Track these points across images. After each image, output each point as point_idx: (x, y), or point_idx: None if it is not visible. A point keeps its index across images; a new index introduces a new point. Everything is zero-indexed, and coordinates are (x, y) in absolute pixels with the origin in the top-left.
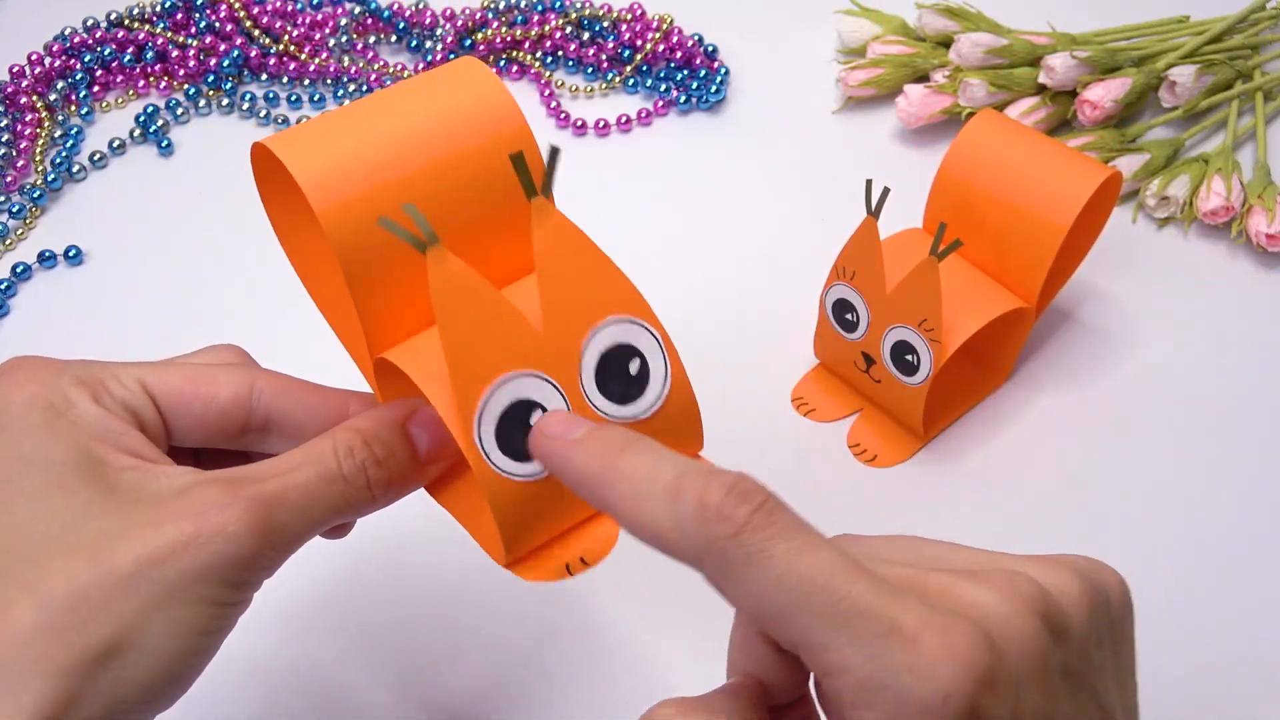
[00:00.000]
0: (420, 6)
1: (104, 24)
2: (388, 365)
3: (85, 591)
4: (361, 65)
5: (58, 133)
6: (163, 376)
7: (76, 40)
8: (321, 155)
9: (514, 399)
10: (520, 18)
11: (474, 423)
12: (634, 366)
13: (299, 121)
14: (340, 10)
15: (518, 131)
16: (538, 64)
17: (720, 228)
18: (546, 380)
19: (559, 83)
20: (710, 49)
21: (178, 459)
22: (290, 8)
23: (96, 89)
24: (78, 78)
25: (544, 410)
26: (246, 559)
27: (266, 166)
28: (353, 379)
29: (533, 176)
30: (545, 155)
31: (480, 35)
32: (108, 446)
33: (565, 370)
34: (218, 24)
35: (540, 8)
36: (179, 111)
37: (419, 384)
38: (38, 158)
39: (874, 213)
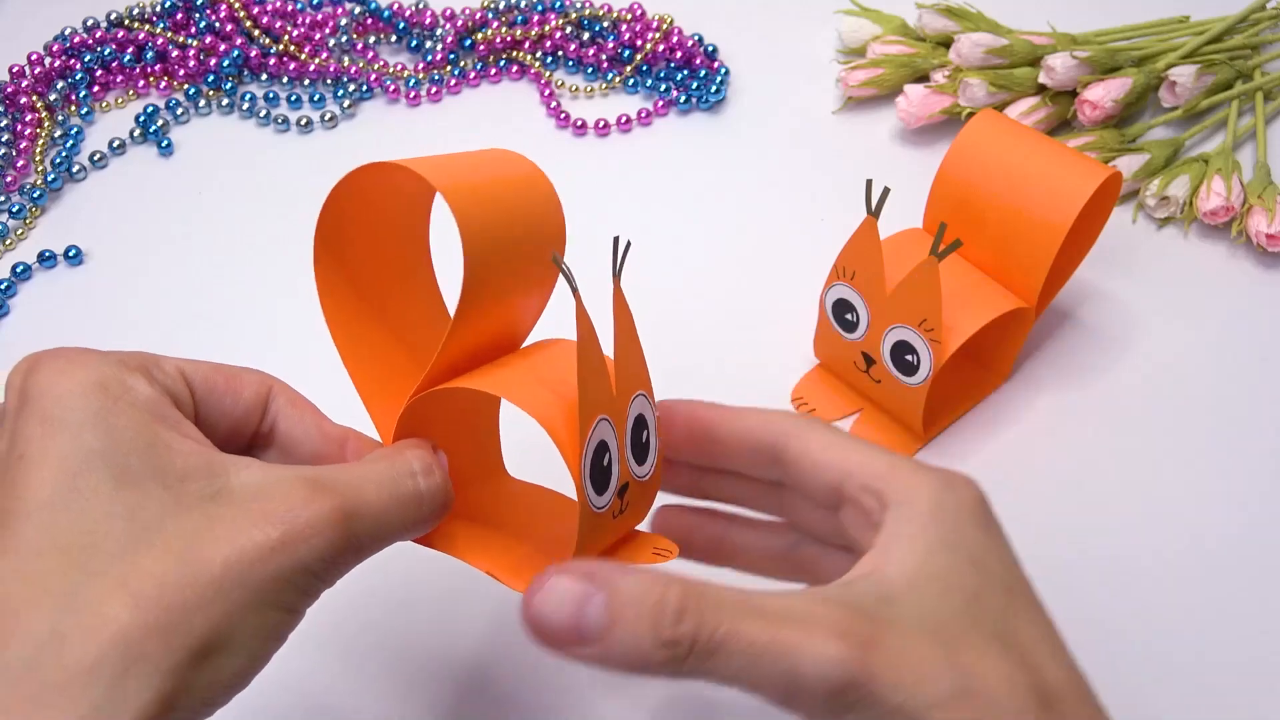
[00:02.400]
0: (420, 6)
1: (104, 24)
2: (419, 404)
3: (179, 591)
4: (361, 65)
5: (58, 133)
6: (197, 367)
7: (76, 40)
8: (446, 177)
9: (600, 439)
10: (520, 18)
11: (584, 454)
12: (645, 436)
13: (299, 121)
14: (340, 10)
15: (548, 197)
16: (538, 64)
17: (720, 228)
18: (612, 427)
19: (559, 83)
20: (710, 49)
21: None
22: (290, 8)
23: (96, 89)
24: (78, 78)
25: (610, 455)
26: (326, 567)
27: (349, 197)
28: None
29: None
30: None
31: (480, 35)
32: (169, 430)
33: (621, 425)
34: (218, 24)
35: (540, 8)
36: (179, 111)
37: (536, 414)
38: (38, 158)
39: (874, 213)
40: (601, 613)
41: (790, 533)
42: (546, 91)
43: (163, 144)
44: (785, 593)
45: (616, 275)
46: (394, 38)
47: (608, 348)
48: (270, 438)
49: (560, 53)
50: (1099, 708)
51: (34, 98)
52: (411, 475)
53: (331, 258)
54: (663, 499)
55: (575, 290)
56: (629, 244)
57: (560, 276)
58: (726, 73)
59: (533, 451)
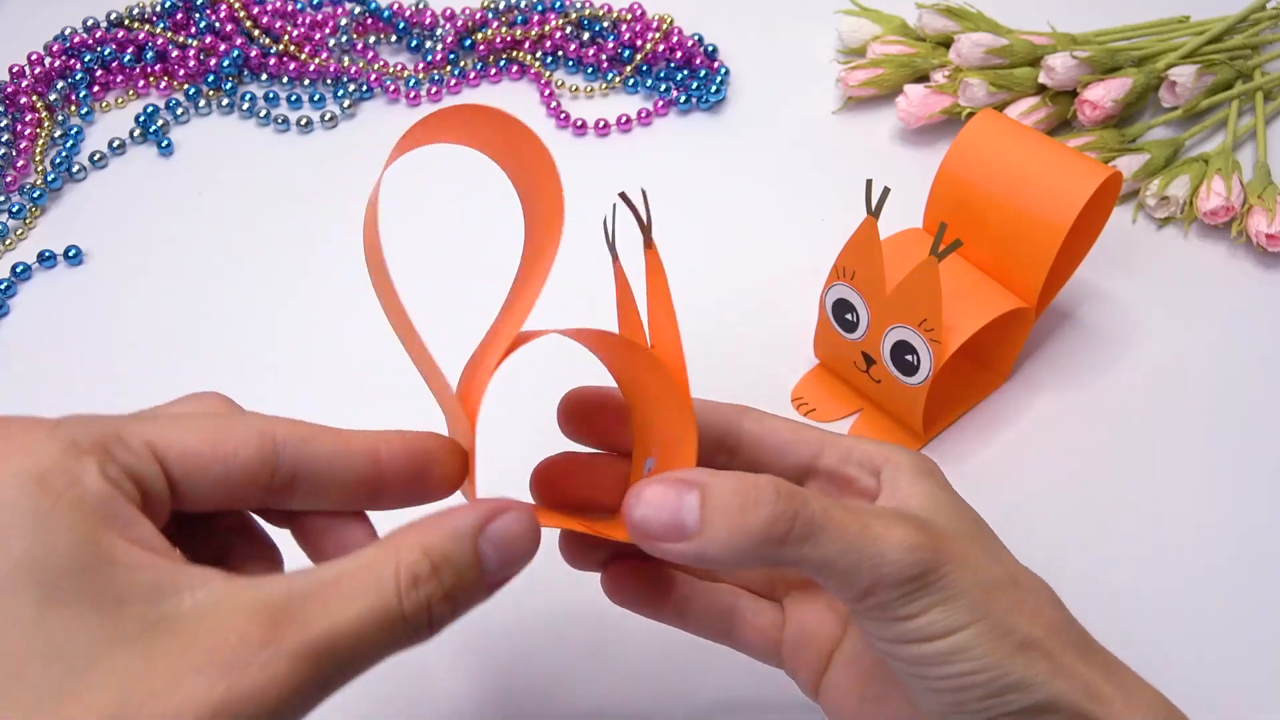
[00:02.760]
0: (420, 6)
1: (104, 24)
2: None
3: None
4: (361, 65)
5: (58, 133)
6: (176, 437)
7: (76, 40)
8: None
9: None
10: (520, 18)
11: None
12: None
13: (299, 121)
14: (340, 10)
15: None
16: (538, 64)
17: (720, 228)
18: None
19: (559, 83)
20: (710, 49)
21: (183, 527)
22: (290, 8)
23: (96, 89)
24: (78, 78)
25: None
26: (283, 711)
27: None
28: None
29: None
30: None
31: (480, 35)
32: (116, 536)
33: None
34: (218, 24)
35: (540, 8)
36: (179, 111)
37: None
38: (38, 158)
39: (874, 213)
40: (696, 508)
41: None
42: (546, 91)
43: (163, 144)
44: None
45: (649, 241)
46: (394, 38)
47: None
48: (291, 485)
49: (560, 53)
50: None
51: (34, 98)
52: (395, 586)
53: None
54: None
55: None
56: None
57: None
58: (726, 73)
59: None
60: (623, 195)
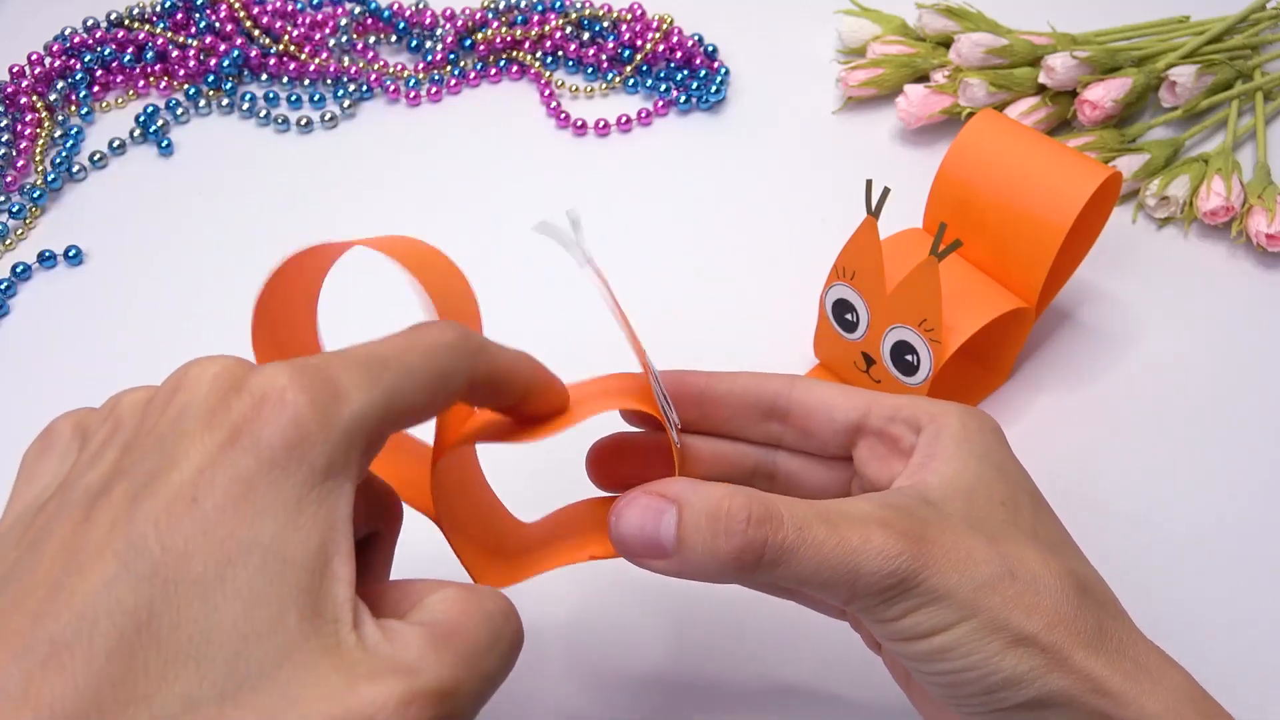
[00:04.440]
0: (420, 6)
1: (104, 24)
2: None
3: None
4: (361, 65)
5: (58, 133)
6: (407, 383)
7: (76, 40)
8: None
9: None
10: (520, 18)
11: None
12: (663, 395)
13: (299, 121)
14: (340, 10)
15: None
16: (538, 64)
17: (720, 228)
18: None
19: (559, 83)
20: (710, 49)
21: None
22: (290, 8)
23: (96, 89)
24: (78, 78)
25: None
26: None
27: (293, 275)
28: None
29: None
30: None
31: (480, 35)
32: (335, 553)
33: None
34: (218, 24)
35: (540, 8)
36: (179, 111)
37: (615, 404)
38: (38, 158)
39: (874, 213)
40: (673, 528)
41: None
42: (546, 91)
43: (163, 144)
44: (843, 499)
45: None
46: (394, 38)
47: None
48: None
49: (560, 53)
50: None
51: (34, 98)
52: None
53: (270, 341)
54: None
55: (593, 265)
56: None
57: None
58: (726, 73)
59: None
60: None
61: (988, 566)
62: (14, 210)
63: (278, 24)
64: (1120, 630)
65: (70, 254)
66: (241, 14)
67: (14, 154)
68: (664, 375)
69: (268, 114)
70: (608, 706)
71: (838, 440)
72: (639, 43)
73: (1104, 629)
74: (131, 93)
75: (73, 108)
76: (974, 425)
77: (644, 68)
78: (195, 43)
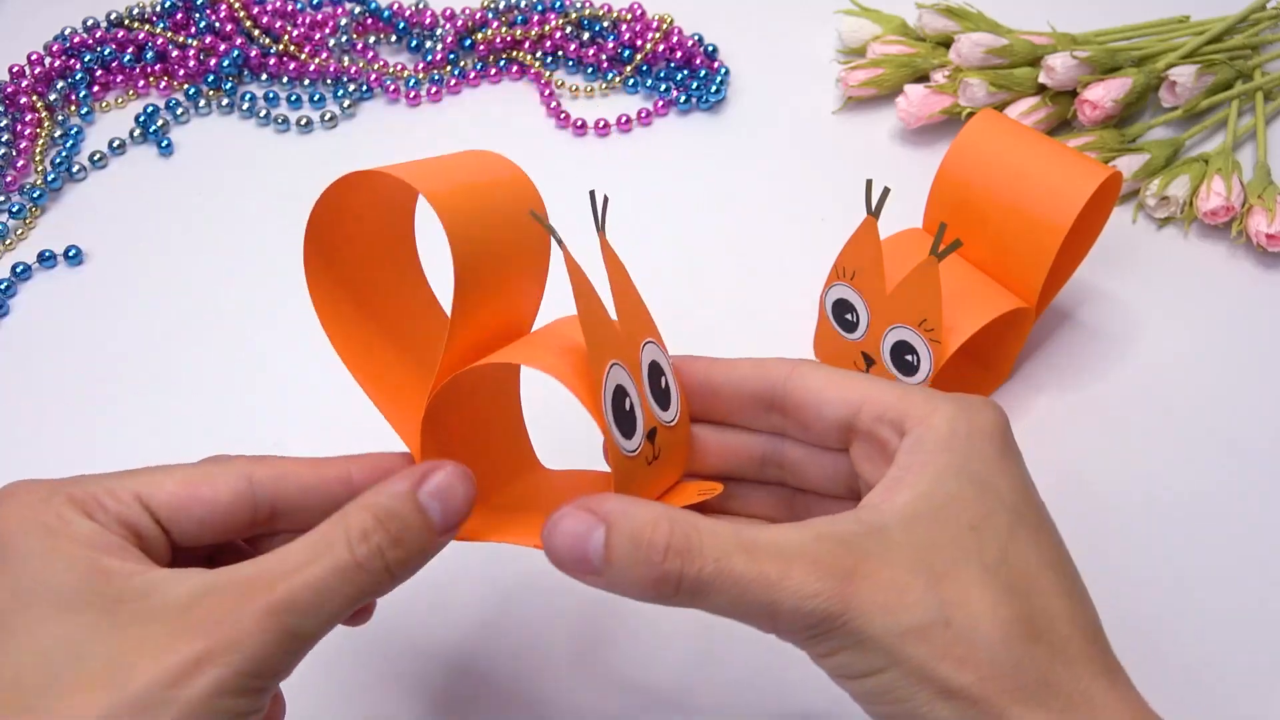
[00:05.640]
0: (420, 6)
1: (104, 24)
2: (437, 408)
3: (112, 704)
4: (361, 65)
5: (58, 133)
6: (159, 485)
7: (76, 40)
8: (427, 179)
9: (617, 383)
10: (520, 18)
11: (604, 395)
12: (664, 382)
13: (299, 121)
14: (340, 10)
15: (531, 194)
16: (538, 64)
17: (720, 228)
18: (627, 372)
19: (559, 83)
20: (710, 49)
21: (186, 559)
22: (290, 8)
23: (96, 89)
24: (78, 78)
25: (629, 399)
26: (261, 669)
27: (334, 209)
28: (335, 386)
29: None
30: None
31: (480, 35)
32: (109, 558)
33: (635, 370)
34: (218, 24)
35: (540, 8)
36: (179, 111)
37: (548, 370)
38: (38, 158)
39: (874, 213)
40: (600, 548)
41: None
42: (546, 91)
43: (163, 144)
44: (778, 526)
45: (600, 228)
46: (394, 38)
47: (608, 303)
48: (273, 518)
49: (560, 53)
50: (1097, 639)
51: (34, 98)
52: (346, 544)
53: (324, 270)
54: None
55: (562, 244)
56: (606, 198)
57: (553, 242)
58: (726, 73)
59: (566, 445)
60: (592, 194)
61: (920, 611)
62: (14, 210)
63: (278, 24)
64: (1070, 679)
65: (70, 254)
66: (241, 14)
67: (14, 154)
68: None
69: (268, 114)
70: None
71: (832, 435)
72: (639, 43)
73: (1048, 680)
74: (131, 93)
75: (73, 108)
76: (964, 428)
77: (644, 68)
78: (195, 43)
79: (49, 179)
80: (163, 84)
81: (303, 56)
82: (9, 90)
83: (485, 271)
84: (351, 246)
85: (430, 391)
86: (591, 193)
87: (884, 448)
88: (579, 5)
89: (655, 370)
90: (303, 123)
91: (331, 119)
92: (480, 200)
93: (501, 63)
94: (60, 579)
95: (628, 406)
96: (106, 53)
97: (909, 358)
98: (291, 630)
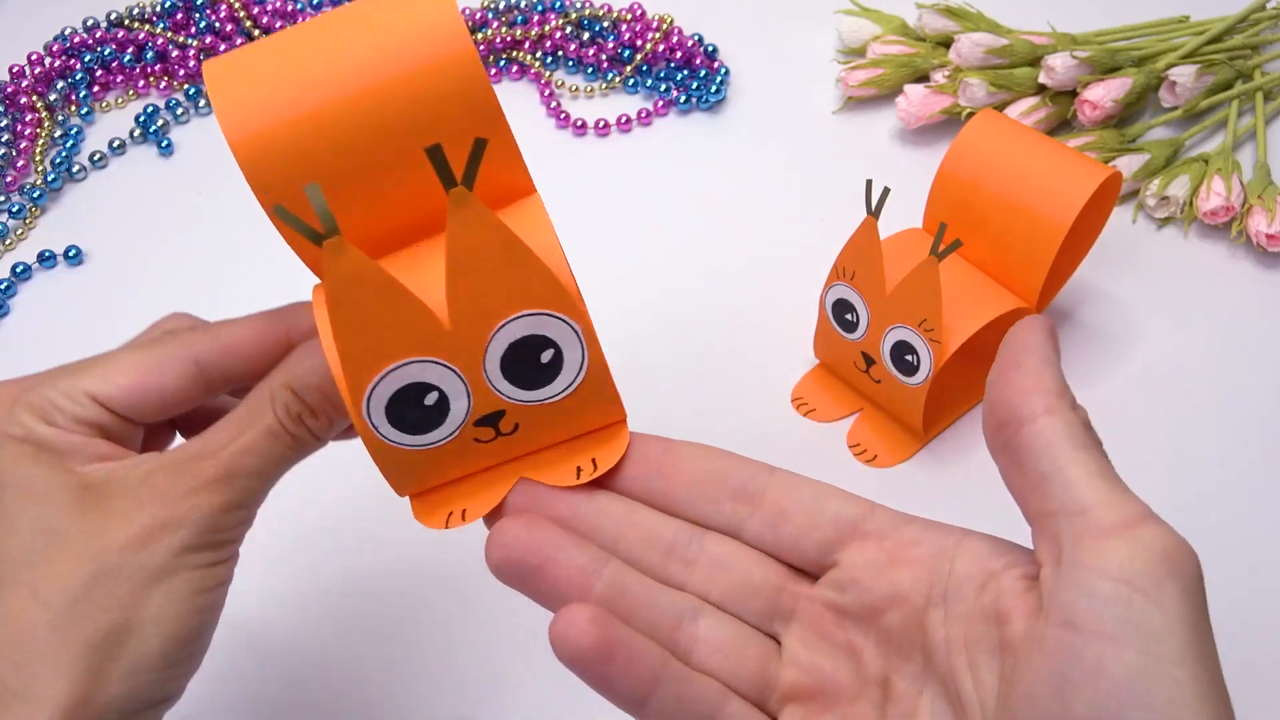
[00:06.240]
0: None
1: (104, 24)
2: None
3: (83, 585)
4: None
5: (58, 133)
6: (110, 381)
7: (76, 40)
8: (248, 90)
9: (406, 382)
10: (520, 18)
11: (364, 402)
12: (545, 356)
13: None
14: None
15: (463, 56)
16: (538, 64)
17: (720, 228)
18: (447, 367)
19: (559, 83)
20: (710, 49)
21: (159, 431)
22: (290, 8)
23: (96, 89)
24: (78, 78)
25: (440, 392)
26: (219, 525)
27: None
28: None
29: (451, 161)
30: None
31: (480, 35)
32: (73, 457)
33: (469, 359)
34: (218, 24)
35: (540, 8)
36: (179, 111)
37: (325, 349)
38: (38, 158)
39: (874, 213)
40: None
41: None
42: (546, 91)
43: (163, 144)
44: None
45: (465, 181)
46: None
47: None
48: (227, 384)
49: (560, 53)
50: None
51: (34, 98)
52: (273, 414)
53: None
54: None
55: (450, 186)
56: (481, 142)
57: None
58: (726, 73)
59: None
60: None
61: None
62: (14, 210)
63: (278, 24)
64: None
65: (70, 254)
66: (241, 14)
67: (14, 154)
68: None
69: None
70: None
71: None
72: (639, 43)
73: None
74: (131, 93)
75: (73, 108)
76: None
77: (644, 68)
78: (195, 43)
79: (49, 179)
80: (163, 84)
81: None
82: (9, 90)
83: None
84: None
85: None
86: (478, 140)
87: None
88: (579, 5)
89: (527, 347)
90: None
91: None
92: (335, 121)
93: (501, 63)
94: (29, 478)
95: (430, 401)
96: (106, 53)
97: (909, 358)
98: (239, 490)
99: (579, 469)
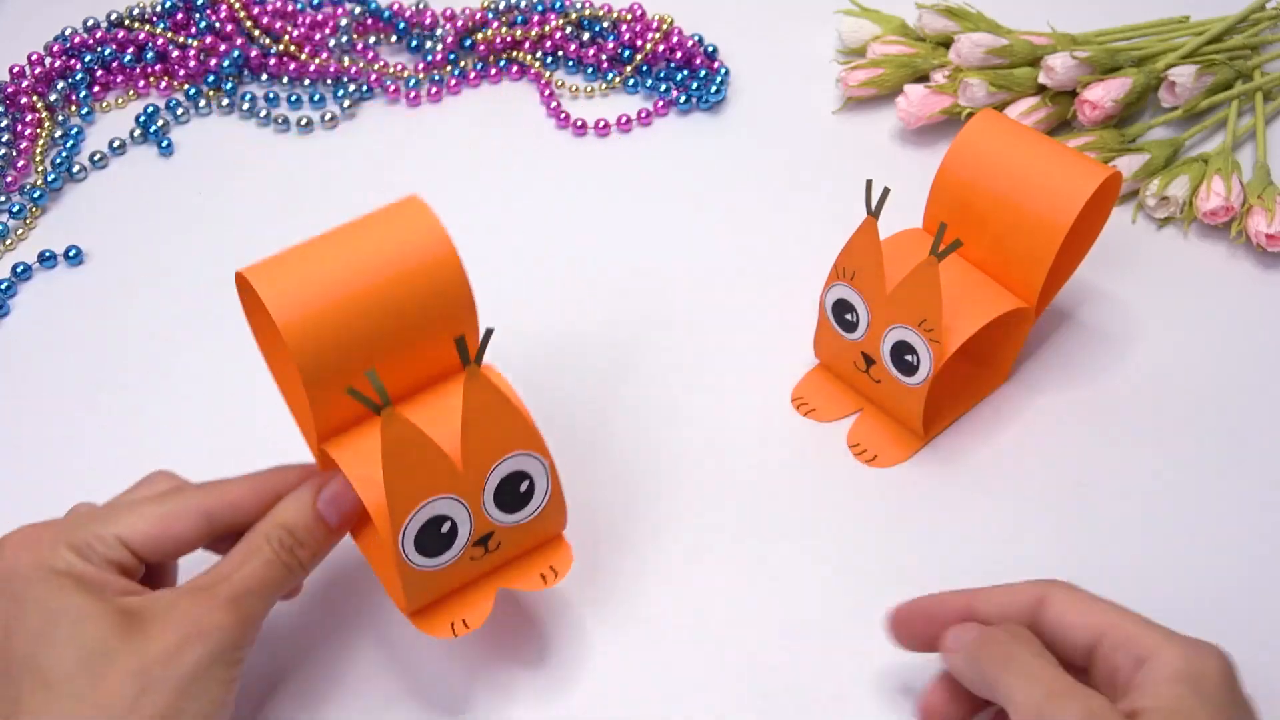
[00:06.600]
0: (420, 6)
1: (104, 24)
2: (329, 459)
3: (134, 695)
4: (361, 65)
5: (58, 133)
6: (135, 529)
7: (76, 40)
8: (289, 287)
9: (431, 516)
10: (520, 18)
11: (400, 534)
12: (523, 486)
13: (299, 122)
14: (340, 10)
15: (448, 261)
16: (538, 64)
17: (720, 228)
18: (458, 501)
19: (559, 83)
20: (710, 49)
21: (154, 568)
22: (290, 8)
23: (96, 89)
24: (78, 78)
25: (452, 521)
26: (234, 639)
27: (246, 287)
28: None
29: (470, 348)
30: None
31: (480, 35)
32: (106, 590)
33: (473, 493)
34: (218, 24)
35: (540, 8)
36: (179, 111)
37: (358, 490)
38: (38, 158)
39: (874, 213)
40: None
41: None
42: (546, 91)
43: (163, 144)
44: None
45: (476, 360)
46: (394, 38)
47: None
48: (227, 537)
49: (560, 53)
50: None
51: (34, 98)
52: (269, 548)
53: (255, 323)
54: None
55: (466, 364)
56: (489, 332)
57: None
58: (726, 73)
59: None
60: (489, 332)
61: None
62: (14, 210)
63: (278, 24)
64: None
65: (70, 254)
66: (241, 14)
67: (14, 154)
68: (929, 602)
69: (268, 114)
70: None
71: (1077, 657)
72: (639, 43)
73: None
74: (131, 93)
75: (73, 108)
76: (1199, 668)
77: (644, 68)
78: (195, 43)
79: (49, 179)
80: (163, 84)
81: (303, 57)
82: (9, 90)
83: (331, 380)
84: (264, 316)
85: (314, 447)
86: (489, 331)
87: (1117, 674)
88: (579, 5)
89: (511, 480)
90: (303, 123)
91: (332, 119)
92: (355, 310)
93: (501, 63)
94: (77, 606)
95: (445, 530)
96: (107, 53)
97: (909, 358)
98: (246, 610)
99: (543, 576)
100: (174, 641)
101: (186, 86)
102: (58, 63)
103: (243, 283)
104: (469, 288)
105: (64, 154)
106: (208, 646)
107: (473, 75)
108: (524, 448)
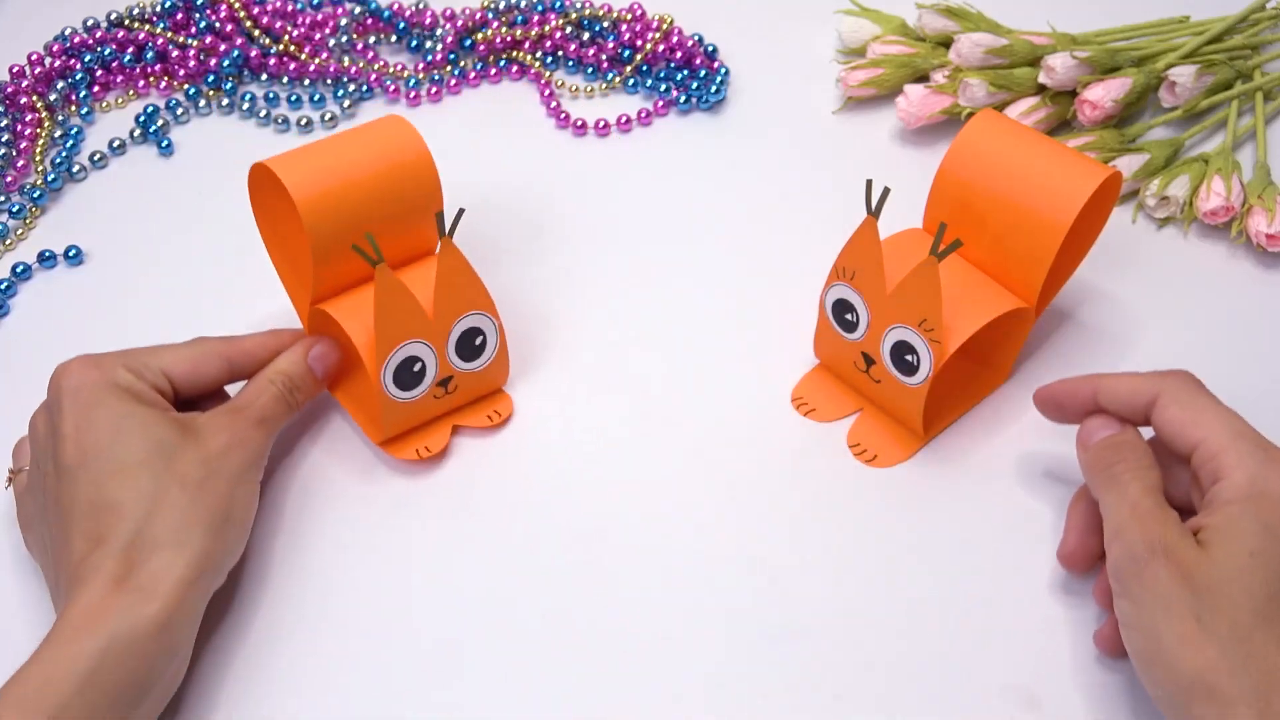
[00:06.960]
0: (420, 6)
1: (104, 24)
2: (323, 314)
3: (202, 477)
4: (361, 65)
5: (58, 133)
6: (175, 365)
7: (76, 40)
8: (303, 174)
9: (407, 355)
10: (520, 18)
11: (383, 367)
12: (478, 340)
13: (299, 122)
14: (340, 10)
15: (423, 159)
16: (538, 64)
17: (720, 228)
18: (428, 345)
19: (559, 83)
20: (710, 49)
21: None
22: (290, 8)
23: (96, 89)
24: (78, 78)
25: (423, 362)
26: (262, 451)
27: (260, 178)
28: None
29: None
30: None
31: (480, 35)
32: (157, 405)
33: (439, 340)
34: (218, 24)
35: (540, 8)
36: (179, 111)
37: (350, 336)
38: (38, 158)
39: (874, 213)
40: None
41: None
42: (546, 91)
43: (163, 144)
44: None
45: (448, 234)
46: (394, 38)
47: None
48: (243, 373)
49: (560, 53)
50: None
51: (34, 98)
52: (274, 387)
53: (261, 215)
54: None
55: (442, 236)
56: (461, 210)
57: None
58: (726, 73)
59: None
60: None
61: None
62: (14, 210)
63: (278, 24)
64: None
65: (70, 254)
66: (241, 14)
67: (14, 154)
68: (1059, 386)
69: (268, 114)
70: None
71: (1180, 460)
72: (639, 43)
73: None
74: (131, 93)
75: (73, 108)
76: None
77: (644, 68)
78: (195, 43)
79: (49, 179)
80: (163, 84)
81: (303, 56)
82: (9, 90)
83: (332, 249)
84: (273, 203)
85: (304, 311)
86: (460, 211)
87: (1203, 486)
88: (579, 5)
89: (469, 334)
90: (303, 123)
91: (331, 119)
92: (353, 194)
93: (501, 63)
94: (140, 413)
95: (417, 369)
96: (106, 53)
97: (909, 358)
98: (268, 429)
99: (489, 417)
100: (225, 443)
101: (186, 86)
102: (58, 63)
103: (258, 175)
104: (439, 182)
105: (64, 154)
106: (248, 452)
107: (473, 75)
108: (481, 308)
